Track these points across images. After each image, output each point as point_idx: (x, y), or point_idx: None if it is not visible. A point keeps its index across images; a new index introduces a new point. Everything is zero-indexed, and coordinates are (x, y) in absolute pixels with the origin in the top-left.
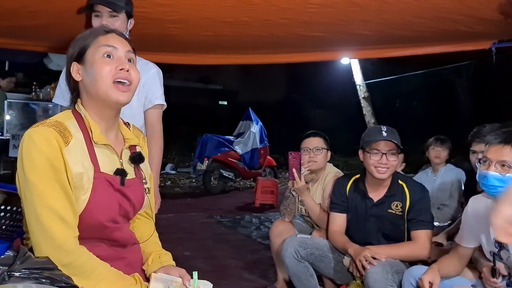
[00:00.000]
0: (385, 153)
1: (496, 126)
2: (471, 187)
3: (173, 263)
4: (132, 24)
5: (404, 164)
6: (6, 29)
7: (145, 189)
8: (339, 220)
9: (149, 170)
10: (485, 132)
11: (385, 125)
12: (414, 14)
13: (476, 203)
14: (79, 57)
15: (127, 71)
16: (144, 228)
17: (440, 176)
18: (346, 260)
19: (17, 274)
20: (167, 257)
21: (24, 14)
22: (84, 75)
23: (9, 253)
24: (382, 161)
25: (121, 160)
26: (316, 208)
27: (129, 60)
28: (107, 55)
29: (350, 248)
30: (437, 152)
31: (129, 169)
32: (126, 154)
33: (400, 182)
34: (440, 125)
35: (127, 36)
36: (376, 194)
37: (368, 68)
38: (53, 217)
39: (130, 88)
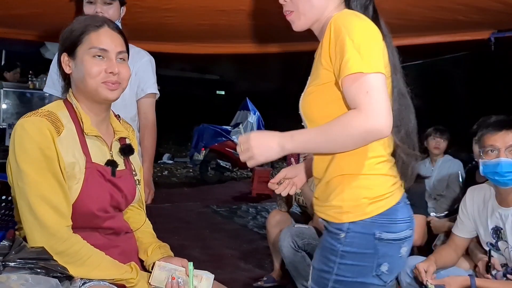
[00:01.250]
0: None
1: (502, 117)
2: (471, 177)
3: (172, 254)
4: (124, 12)
5: None
6: (3, 18)
7: (135, 180)
8: None
9: (139, 163)
10: (491, 122)
11: None
12: (411, 3)
13: (474, 193)
14: (70, 50)
15: (117, 73)
16: (136, 218)
17: (438, 167)
18: None
19: (12, 264)
20: (166, 249)
21: (20, 2)
22: (74, 69)
23: (4, 243)
24: None
25: (111, 152)
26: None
27: (121, 59)
28: (98, 56)
29: None
30: (437, 142)
31: (119, 160)
32: (116, 146)
33: None
34: (438, 116)
35: (119, 25)
36: None
37: None
38: (46, 206)
39: (119, 85)
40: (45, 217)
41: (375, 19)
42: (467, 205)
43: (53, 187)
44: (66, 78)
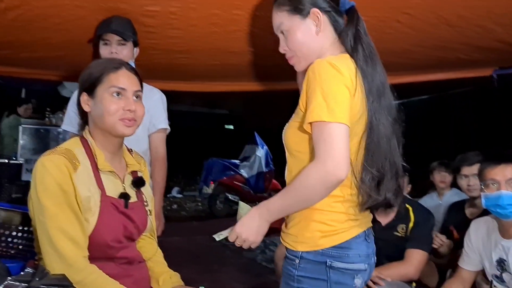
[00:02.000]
0: None
1: (478, 152)
2: (458, 210)
3: (183, 283)
4: (138, 52)
5: (410, 185)
6: (25, 60)
7: (147, 211)
8: None
9: (151, 194)
10: (470, 156)
11: None
12: (413, 43)
13: (478, 226)
14: (89, 90)
15: (133, 111)
16: (148, 247)
17: (445, 201)
18: None
19: None
20: (177, 278)
21: (44, 46)
22: (93, 107)
23: (28, 270)
24: None
25: (123, 185)
26: None
27: (137, 97)
28: (116, 93)
29: None
30: (442, 176)
31: (132, 192)
32: (128, 178)
33: (407, 206)
34: (443, 150)
35: (133, 64)
36: (384, 218)
37: None
38: (64, 238)
39: (135, 122)
40: (64, 248)
41: (364, 60)
42: (472, 238)
43: (70, 219)
44: (84, 116)
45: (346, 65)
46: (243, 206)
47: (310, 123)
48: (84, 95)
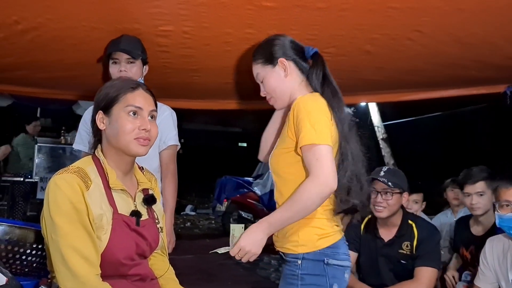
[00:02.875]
0: (380, 192)
1: (484, 167)
2: (464, 227)
3: None
4: (147, 71)
5: (424, 203)
6: (41, 80)
7: (158, 228)
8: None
9: (162, 211)
10: (474, 173)
11: (401, 167)
12: (425, 60)
13: (493, 244)
14: (105, 108)
15: (148, 130)
16: (160, 264)
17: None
18: None
19: None
20: None
21: (60, 66)
22: (108, 126)
23: (43, 287)
24: (377, 200)
25: (135, 203)
26: None
27: (152, 117)
28: (133, 113)
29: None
30: (455, 193)
31: (143, 210)
32: (140, 196)
33: (409, 222)
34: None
35: (142, 82)
36: (387, 234)
37: (386, 109)
38: (76, 256)
39: (149, 142)
40: (76, 266)
41: (332, 96)
42: (487, 256)
43: (83, 238)
44: (98, 135)
45: (321, 101)
46: (234, 227)
47: (302, 146)
48: (100, 113)
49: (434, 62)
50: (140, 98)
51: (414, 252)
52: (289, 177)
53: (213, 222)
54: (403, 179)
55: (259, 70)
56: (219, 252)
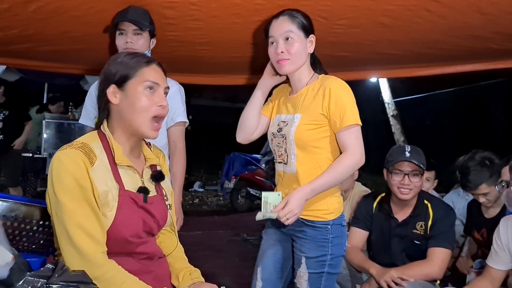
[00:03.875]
0: (407, 174)
1: (479, 162)
2: (474, 212)
3: (203, 279)
4: (154, 44)
5: (436, 180)
6: (47, 53)
7: (167, 205)
8: (359, 236)
9: (170, 188)
10: (473, 180)
11: (412, 144)
12: (443, 32)
13: (508, 224)
14: (120, 82)
15: (165, 107)
16: (168, 242)
17: (472, 196)
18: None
19: (54, 286)
20: (197, 274)
21: (65, 39)
22: (123, 100)
23: (48, 266)
24: (405, 182)
25: (142, 179)
26: None
27: (165, 93)
28: (149, 88)
29: (372, 268)
30: None
31: (150, 187)
32: (147, 173)
33: (425, 201)
34: (472, 144)
35: (149, 55)
36: (401, 214)
37: (397, 85)
38: (82, 234)
39: (161, 124)
40: (82, 244)
41: None
42: (501, 236)
43: (88, 215)
44: (105, 110)
45: None
46: (267, 194)
47: (347, 125)
48: (113, 87)
49: (452, 35)
50: (156, 73)
51: (428, 232)
52: (316, 150)
53: (221, 198)
54: (424, 158)
55: (294, 29)
56: (258, 219)
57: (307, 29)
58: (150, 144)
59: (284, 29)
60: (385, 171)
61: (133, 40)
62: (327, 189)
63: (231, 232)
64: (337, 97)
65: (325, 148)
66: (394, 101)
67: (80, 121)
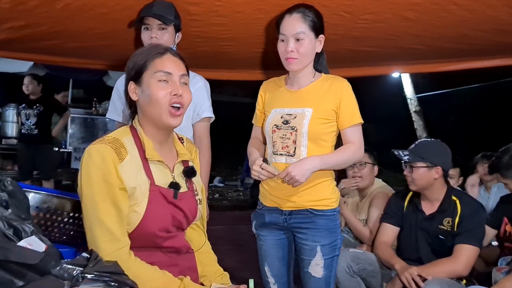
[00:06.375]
0: (406, 165)
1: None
2: (507, 204)
3: (230, 283)
4: (180, 38)
5: (461, 178)
6: (73, 50)
7: (197, 200)
8: (390, 232)
9: (201, 183)
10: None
11: (434, 139)
12: (470, 27)
13: None
14: (136, 78)
15: (180, 95)
16: (197, 239)
17: (494, 194)
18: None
19: (89, 276)
20: (226, 278)
21: (91, 36)
22: (140, 96)
23: (84, 255)
24: (404, 172)
25: (173, 174)
26: (356, 222)
27: (183, 83)
28: (163, 80)
29: (397, 263)
30: (485, 169)
31: (181, 182)
32: (179, 168)
33: (453, 197)
34: (497, 141)
35: (175, 49)
36: (428, 208)
37: (420, 81)
38: (101, 228)
39: (182, 111)
40: (100, 239)
41: None
42: None
43: (109, 211)
44: (133, 106)
45: None
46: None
47: (355, 123)
48: (131, 84)
49: (479, 29)
50: (168, 63)
51: (455, 229)
52: (323, 144)
53: (241, 194)
54: (434, 153)
55: (305, 30)
56: (270, 165)
57: (318, 29)
58: (182, 139)
59: (296, 30)
60: None
61: (158, 35)
62: (334, 166)
63: (251, 227)
64: (348, 96)
65: (330, 142)
66: (417, 97)
67: (107, 116)
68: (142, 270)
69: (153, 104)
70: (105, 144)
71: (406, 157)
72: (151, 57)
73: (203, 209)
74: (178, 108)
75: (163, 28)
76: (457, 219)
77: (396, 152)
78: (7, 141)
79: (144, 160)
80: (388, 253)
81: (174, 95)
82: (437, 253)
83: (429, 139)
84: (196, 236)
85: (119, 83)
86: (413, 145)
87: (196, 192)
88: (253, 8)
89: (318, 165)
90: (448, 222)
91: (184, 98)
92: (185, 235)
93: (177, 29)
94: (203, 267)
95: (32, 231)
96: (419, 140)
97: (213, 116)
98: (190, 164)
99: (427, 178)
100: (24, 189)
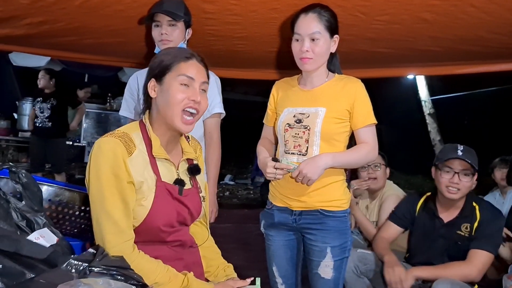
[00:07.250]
0: (458, 172)
1: None
2: None
3: (235, 274)
4: (190, 34)
5: (475, 183)
6: (89, 46)
7: (201, 197)
8: (392, 230)
9: (204, 180)
10: None
11: (440, 143)
12: (488, 29)
13: None
14: (159, 76)
15: (198, 102)
16: (200, 234)
17: (509, 199)
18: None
19: (96, 270)
20: (230, 270)
21: (107, 33)
22: (159, 94)
23: (91, 250)
24: (454, 181)
25: (177, 171)
26: (367, 224)
27: (203, 90)
28: (184, 84)
29: (387, 256)
30: (503, 173)
31: (186, 179)
32: (183, 165)
33: (474, 204)
34: None
35: (184, 46)
36: (447, 215)
37: (434, 83)
38: (107, 221)
39: (195, 119)
40: (106, 230)
41: None
42: None
43: (116, 203)
44: (148, 101)
45: None
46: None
47: (369, 123)
48: (152, 81)
49: (497, 32)
50: (192, 69)
51: (473, 234)
52: (335, 143)
53: (251, 192)
54: (477, 159)
55: (321, 30)
56: (284, 162)
57: (333, 30)
58: (188, 137)
59: (312, 30)
60: (433, 169)
61: (168, 32)
62: (346, 165)
63: (260, 226)
64: (362, 96)
65: (343, 142)
66: (431, 99)
67: (120, 113)
68: (145, 264)
69: (169, 105)
70: (115, 137)
71: (474, 164)
72: (177, 59)
73: (206, 207)
74: (192, 114)
75: (173, 25)
76: (475, 225)
77: (465, 159)
78: (23, 134)
79: (151, 156)
80: (383, 246)
81: (192, 100)
82: (453, 258)
83: (464, 145)
84: (200, 231)
85: (131, 80)
86: (460, 152)
87: (200, 190)
88: (268, 7)
89: (330, 163)
90: (466, 228)
91: (200, 105)
92: (189, 230)
93: (187, 26)
94: (207, 262)
95: (44, 223)
96: (462, 146)
97: (223, 112)
98: (195, 162)
99: (471, 187)
100: (37, 181)
